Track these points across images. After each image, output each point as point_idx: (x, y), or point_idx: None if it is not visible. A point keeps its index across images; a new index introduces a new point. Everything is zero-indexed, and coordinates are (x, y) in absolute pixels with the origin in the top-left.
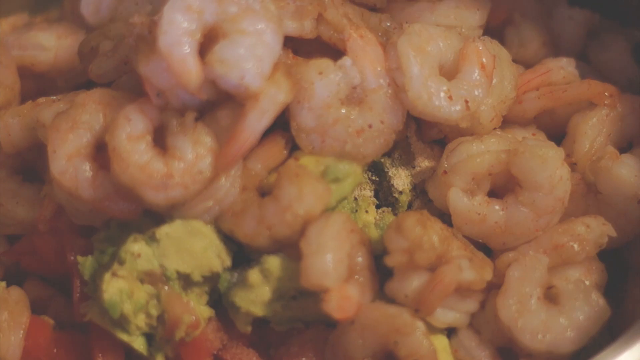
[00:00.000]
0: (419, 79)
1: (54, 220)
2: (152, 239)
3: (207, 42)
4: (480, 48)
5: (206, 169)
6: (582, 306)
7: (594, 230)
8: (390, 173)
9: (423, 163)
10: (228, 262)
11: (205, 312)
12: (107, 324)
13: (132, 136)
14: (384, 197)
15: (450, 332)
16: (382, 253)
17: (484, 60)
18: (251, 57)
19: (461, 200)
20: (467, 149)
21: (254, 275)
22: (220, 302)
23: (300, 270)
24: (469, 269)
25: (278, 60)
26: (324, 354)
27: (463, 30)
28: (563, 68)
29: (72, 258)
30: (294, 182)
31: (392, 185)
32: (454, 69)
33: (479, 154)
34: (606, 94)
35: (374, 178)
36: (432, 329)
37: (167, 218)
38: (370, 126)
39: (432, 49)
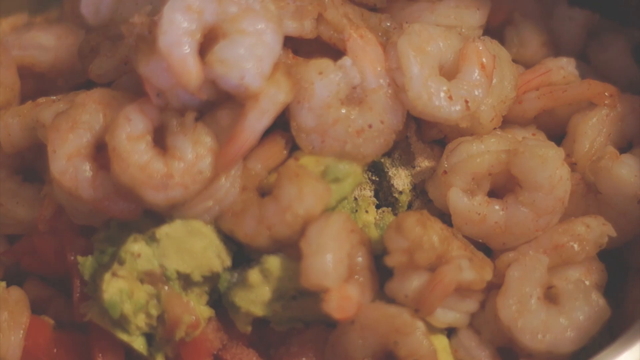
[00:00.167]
0: (419, 79)
1: (54, 220)
2: (152, 239)
3: (207, 42)
4: (480, 48)
5: (206, 169)
6: (582, 306)
7: (594, 230)
8: (390, 173)
9: (423, 163)
10: (228, 262)
11: (205, 312)
12: (107, 324)
13: (132, 136)
14: (384, 197)
15: (450, 332)
16: (382, 253)
17: (484, 60)
18: (251, 57)
19: (461, 200)
20: (467, 149)
21: (254, 275)
22: (220, 302)
23: (300, 270)
24: (469, 269)
25: (278, 60)
26: (324, 354)
27: (463, 30)
28: (563, 68)
29: (72, 258)
30: (294, 182)
31: (392, 185)
32: (454, 69)
33: (479, 154)
34: (606, 94)
35: (374, 178)
36: (432, 329)
37: (167, 218)
38: (370, 126)
39: (432, 49)
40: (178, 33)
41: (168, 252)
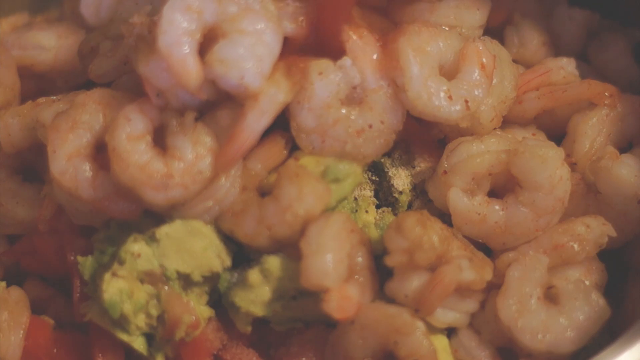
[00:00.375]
0: (418, 79)
1: (54, 220)
2: (152, 239)
3: (207, 42)
4: (481, 48)
5: (206, 169)
6: (582, 306)
7: (594, 230)
8: (390, 173)
9: (423, 163)
10: (228, 262)
11: (205, 312)
12: (107, 324)
13: (132, 136)
14: (384, 197)
15: (450, 332)
16: (382, 253)
17: (484, 60)
18: (251, 57)
19: (461, 200)
20: (467, 149)
21: (254, 275)
22: (220, 302)
23: (300, 270)
24: (469, 269)
25: (278, 60)
26: (324, 354)
27: (463, 30)
28: (563, 68)
29: (72, 258)
30: (294, 182)
31: (392, 185)
32: (454, 69)
33: (479, 154)
34: (606, 94)
35: (374, 178)
36: (432, 329)
37: (167, 218)
38: (370, 126)
39: (432, 49)
40: (178, 33)
41: (168, 252)
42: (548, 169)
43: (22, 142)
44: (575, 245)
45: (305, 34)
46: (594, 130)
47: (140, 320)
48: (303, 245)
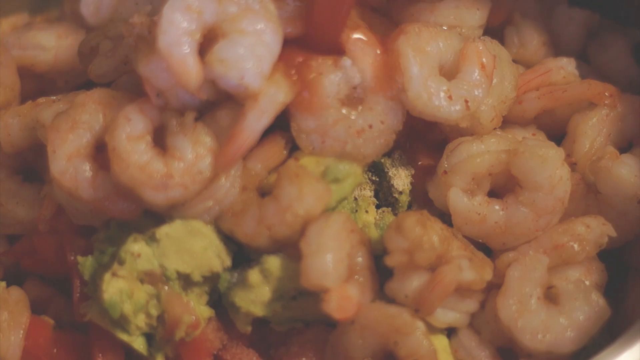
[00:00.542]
0: (418, 79)
1: (54, 220)
2: (152, 239)
3: (207, 42)
4: (481, 48)
5: (206, 169)
6: (582, 306)
7: (594, 230)
8: (390, 173)
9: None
10: (228, 262)
11: (205, 312)
12: (107, 324)
13: (131, 136)
14: (384, 197)
15: (450, 332)
16: (382, 253)
17: (484, 60)
18: (251, 57)
19: (461, 200)
20: (467, 149)
21: (254, 275)
22: (220, 302)
23: (300, 271)
24: (469, 269)
25: (277, 60)
26: (324, 354)
27: (463, 30)
28: (563, 68)
29: (72, 258)
30: (294, 182)
31: (392, 185)
32: (454, 69)
33: (479, 154)
34: (606, 94)
35: (374, 178)
36: (432, 329)
37: (167, 218)
38: (370, 126)
39: (432, 49)
40: (178, 33)
41: (168, 252)
42: (548, 169)
43: (22, 142)
44: (575, 245)
45: (305, 34)
46: (594, 130)
47: (140, 320)
48: (303, 245)
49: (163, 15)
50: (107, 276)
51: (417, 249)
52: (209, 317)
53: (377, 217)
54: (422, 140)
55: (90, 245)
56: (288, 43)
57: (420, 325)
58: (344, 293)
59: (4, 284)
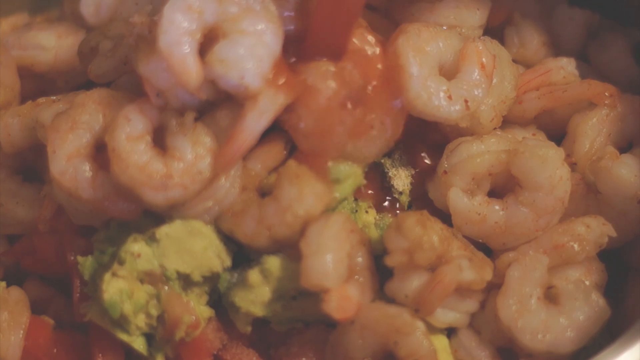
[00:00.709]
0: (418, 79)
1: (54, 220)
2: (152, 239)
3: (207, 42)
4: (480, 48)
5: (205, 169)
6: (582, 306)
7: (594, 230)
8: (390, 173)
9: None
10: (228, 262)
11: (205, 312)
12: (107, 324)
13: (131, 136)
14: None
15: (450, 332)
16: (382, 253)
17: (484, 60)
18: (251, 57)
19: (461, 200)
20: (467, 149)
21: (254, 275)
22: (220, 302)
23: (300, 271)
24: (469, 269)
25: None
26: (324, 354)
27: (463, 30)
28: (563, 68)
29: (72, 258)
30: (294, 182)
31: (392, 185)
32: (454, 69)
33: (479, 154)
34: (606, 94)
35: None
36: (432, 329)
37: (167, 218)
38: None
39: (431, 49)
40: (178, 33)
41: (168, 252)
42: (548, 169)
43: (22, 142)
44: (575, 245)
45: (305, 35)
46: (594, 130)
47: (140, 320)
48: (303, 246)
49: (164, 15)
50: (107, 276)
51: (417, 249)
52: (209, 317)
53: (377, 217)
54: (422, 140)
55: (90, 245)
56: (289, 43)
57: (420, 325)
58: (344, 293)
59: (4, 284)
